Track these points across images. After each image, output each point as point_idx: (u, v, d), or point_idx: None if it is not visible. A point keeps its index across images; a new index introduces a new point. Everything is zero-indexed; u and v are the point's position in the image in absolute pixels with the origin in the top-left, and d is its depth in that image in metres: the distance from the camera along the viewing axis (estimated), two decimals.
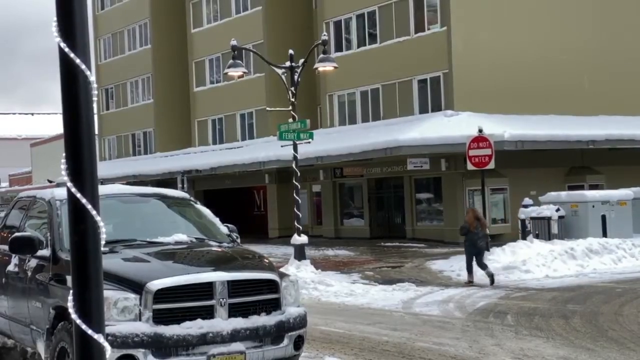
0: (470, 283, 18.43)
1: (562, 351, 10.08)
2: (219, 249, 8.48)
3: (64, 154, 2.31)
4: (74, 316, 2.30)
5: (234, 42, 21.51)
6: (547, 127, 29.38)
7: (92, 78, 2.30)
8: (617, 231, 22.65)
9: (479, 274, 18.48)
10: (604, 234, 22.57)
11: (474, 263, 18.60)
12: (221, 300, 7.23)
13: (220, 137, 43.47)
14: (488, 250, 19.90)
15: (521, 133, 28.48)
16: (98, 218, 2.30)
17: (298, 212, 20.98)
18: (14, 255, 8.64)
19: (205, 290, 7.23)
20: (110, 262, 6.99)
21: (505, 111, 29.93)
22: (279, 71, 21.60)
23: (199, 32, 44.49)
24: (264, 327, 7.38)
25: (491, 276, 18.20)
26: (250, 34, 39.02)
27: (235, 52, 21.54)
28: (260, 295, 7.56)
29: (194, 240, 8.48)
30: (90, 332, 2.28)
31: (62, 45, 2.26)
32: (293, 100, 21.05)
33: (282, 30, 38.64)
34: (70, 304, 2.31)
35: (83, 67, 2.27)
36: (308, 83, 33.66)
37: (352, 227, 36.14)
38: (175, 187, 29.92)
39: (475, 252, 18.93)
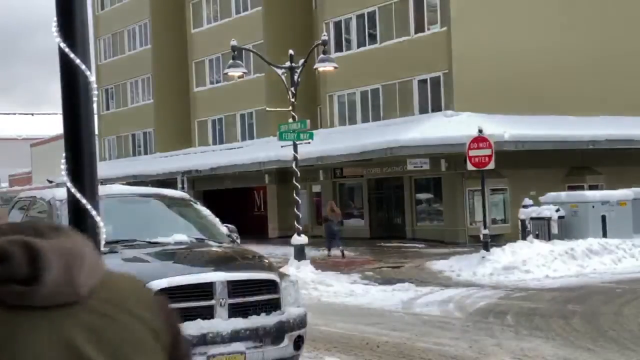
0: (329, 257, 25.83)
1: (562, 351, 10.08)
2: (219, 249, 8.48)
3: (64, 154, 2.31)
4: None
5: (233, 42, 21.50)
6: (547, 127, 29.38)
7: (92, 78, 2.30)
8: (617, 231, 22.63)
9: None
10: (604, 234, 22.56)
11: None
12: (221, 300, 7.22)
13: (220, 137, 43.47)
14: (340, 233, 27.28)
15: (521, 133, 28.47)
16: (98, 218, 2.30)
17: (298, 213, 20.97)
18: None
19: (205, 290, 7.22)
20: (110, 263, 6.96)
21: (505, 111, 29.93)
22: (279, 71, 21.59)
23: (199, 32, 44.49)
24: (264, 327, 7.38)
25: (342, 252, 25.96)
26: (250, 34, 39.01)
27: (235, 52, 21.54)
28: (260, 296, 7.55)
29: (194, 240, 8.47)
30: None
31: (62, 45, 2.26)
32: (293, 100, 21.04)
33: (282, 30, 38.63)
34: None
35: (83, 67, 2.27)
36: (308, 83, 33.64)
37: (352, 227, 36.11)
38: (175, 188, 29.91)
39: (331, 235, 26.61)
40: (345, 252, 26.55)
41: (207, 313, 7.18)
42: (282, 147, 22.69)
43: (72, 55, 2.26)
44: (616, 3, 34.08)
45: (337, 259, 25.40)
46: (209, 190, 43.32)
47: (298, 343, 7.71)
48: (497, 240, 25.57)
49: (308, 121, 21.97)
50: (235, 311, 7.30)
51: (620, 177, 30.59)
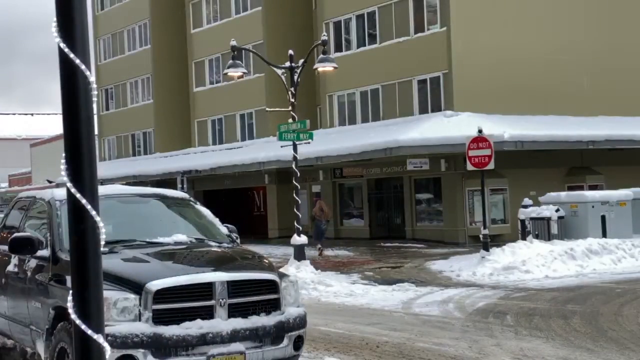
0: (320, 256, 26.02)
1: (562, 351, 10.08)
2: (219, 249, 8.48)
3: (63, 155, 2.31)
4: (73, 316, 2.30)
5: (233, 43, 21.50)
6: (547, 127, 29.39)
7: (92, 78, 2.30)
8: (617, 231, 22.65)
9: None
10: (604, 235, 22.57)
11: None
12: (221, 300, 7.22)
13: (220, 137, 43.48)
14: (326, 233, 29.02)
15: (521, 133, 28.48)
16: (98, 218, 2.30)
17: (298, 213, 20.98)
18: (13, 255, 8.64)
19: (205, 290, 7.22)
20: (110, 263, 6.99)
21: (505, 111, 29.94)
22: (279, 71, 21.59)
23: (199, 32, 44.50)
24: (264, 327, 7.38)
25: (320, 252, 26.84)
26: (250, 34, 39.02)
27: (235, 53, 21.54)
28: (259, 296, 7.55)
29: (194, 240, 8.47)
30: (89, 332, 2.28)
31: (62, 45, 2.26)
32: (293, 100, 21.04)
33: (282, 31, 38.64)
34: (70, 304, 2.31)
35: (83, 67, 2.27)
36: (308, 83, 33.65)
37: (352, 227, 36.15)
38: (175, 188, 29.92)
39: (319, 233, 27.37)
40: (324, 253, 27.33)
41: (207, 313, 7.18)
42: (281, 147, 22.69)
43: (72, 55, 2.26)
44: (617, 3, 34.08)
45: (336, 259, 25.46)
46: (209, 190, 43.34)
47: (298, 343, 7.72)
48: (496, 240, 25.60)
49: (308, 121, 21.96)
50: (235, 311, 7.30)
51: (620, 177, 30.60)
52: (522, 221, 23.43)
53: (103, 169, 43.56)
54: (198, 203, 9.69)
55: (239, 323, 7.24)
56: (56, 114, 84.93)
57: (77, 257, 2.31)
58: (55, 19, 2.29)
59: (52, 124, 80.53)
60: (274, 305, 7.61)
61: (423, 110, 31.96)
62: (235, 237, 9.01)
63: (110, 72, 51.36)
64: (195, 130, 45.24)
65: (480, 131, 21.27)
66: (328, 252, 28.17)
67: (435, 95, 31.69)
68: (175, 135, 46.57)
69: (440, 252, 26.00)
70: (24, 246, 7.86)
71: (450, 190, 31.30)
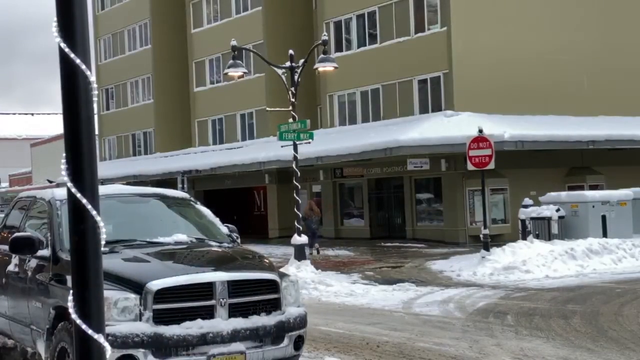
0: (310, 254, 25.17)
1: (562, 351, 10.08)
2: (219, 249, 8.48)
3: (64, 154, 2.31)
4: (74, 316, 2.30)
5: (234, 42, 21.50)
6: (547, 127, 29.39)
7: (92, 78, 2.30)
8: (617, 231, 22.64)
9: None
10: (604, 234, 22.57)
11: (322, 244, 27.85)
12: (221, 300, 7.22)
13: (220, 137, 43.49)
14: (318, 231, 29.63)
15: (521, 133, 28.48)
16: (98, 218, 2.30)
17: (298, 213, 20.99)
18: (14, 255, 8.64)
19: (206, 290, 7.22)
20: (111, 262, 6.98)
21: (505, 111, 29.94)
22: (279, 71, 21.59)
23: (199, 32, 44.50)
24: (264, 327, 7.38)
25: (317, 250, 27.38)
26: (250, 34, 39.02)
27: (235, 52, 21.54)
28: (260, 296, 7.55)
29: (194, 240, 8.47)
30: (90, 332, 2.28)
31: (62, 45, 2.26)
32: (293, 100, 21.04)
33: (282, 30, 38.65)
34: (70, 304, 2.31)
35: (83, 67, 2.27)
36: (308, 83, 33.65)
37: (352, 227, 36.14)
38: (175, 187, 29.93)
39: (310, 233, 26.41)
40: (321, 251, 27.55)
41: (207, 313, 7.18)
42: (282, 147, 22.69)
43: (72, 55, 2.26)
44: (617, 3, 34.08)
45: (336, 259, 25.47)
46: (209, 190, 43.34)
47: (298, 343, 7.72)
48: (497, 240, 25.59)
49: (308, 121, 21.96)
50: (236, 311, 7.30)
51: (620, 177, 30.60)
52: (523, 221, 23.43)
53: (103, 169, 43.56)
54: (198, 203, 9.69)
55: (239, 323, 7.24)
56: (56, 113, 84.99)
57: (78, 257, 2.32)
58: (55, 18, 2.29)
59: (52, 124, 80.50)
60: (275, 305, 7.61)
61: (423, 110, 31.96)
62: (235, 237, 9.01)
63: (110, 72, 51.37)
64: (195, 130, 45.25)
65: (480, 131, 21.27)
66: (328, 252, 28.20)
67: (436, 95, 31.70)
68: (175, 135, 46.58)
69: (440, 252, 26.00)
70: (25, 246, 7.86)
71: (450, 190, 31.31)
